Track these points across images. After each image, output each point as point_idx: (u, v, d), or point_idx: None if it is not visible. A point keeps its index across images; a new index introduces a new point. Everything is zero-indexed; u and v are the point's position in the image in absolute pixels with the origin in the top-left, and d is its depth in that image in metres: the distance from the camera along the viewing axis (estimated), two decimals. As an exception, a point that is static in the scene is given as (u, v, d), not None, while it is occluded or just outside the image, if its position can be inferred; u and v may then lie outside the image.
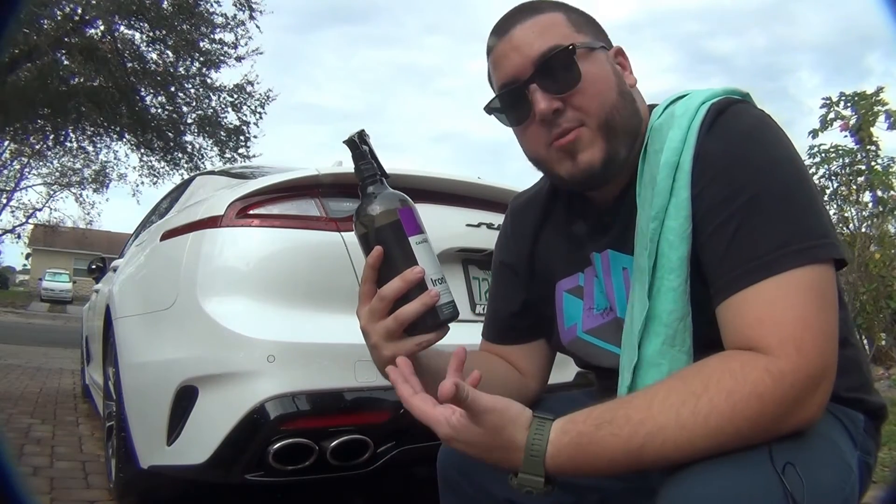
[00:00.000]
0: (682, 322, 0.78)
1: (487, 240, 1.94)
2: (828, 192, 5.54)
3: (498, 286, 1.06)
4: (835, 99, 5.53)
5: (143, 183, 14.69)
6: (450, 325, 0.82)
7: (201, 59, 12.24)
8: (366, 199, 0.81)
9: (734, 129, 0.77)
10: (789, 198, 0.72)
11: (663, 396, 0.69)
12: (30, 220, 26.95)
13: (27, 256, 39.20)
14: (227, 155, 13.04)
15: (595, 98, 0.82)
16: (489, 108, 0.89)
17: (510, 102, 0.86)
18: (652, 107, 0.89)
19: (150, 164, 13.95)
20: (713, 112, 0.78)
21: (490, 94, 0.89)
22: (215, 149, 13.17)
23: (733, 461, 0.65)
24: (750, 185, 0.73)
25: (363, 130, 0.84)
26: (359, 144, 0.83)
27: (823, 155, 5.52)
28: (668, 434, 0.66)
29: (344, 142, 0.83)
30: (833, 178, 5.54)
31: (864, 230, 5.35)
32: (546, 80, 0.82)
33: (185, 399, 1.63)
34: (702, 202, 0.76)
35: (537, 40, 0.82)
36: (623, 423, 0.69)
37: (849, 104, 5.45)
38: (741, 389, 0.66)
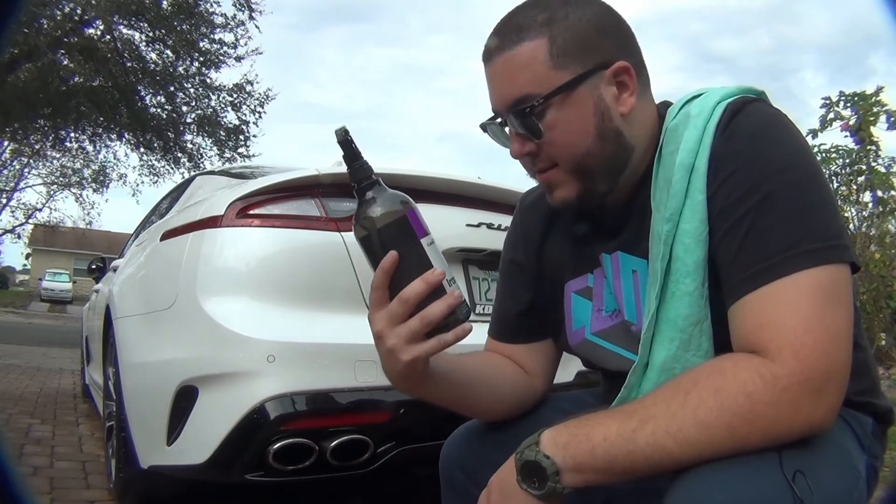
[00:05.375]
0: (697, 326, 0.77)
1: (488, 240, 1.94)
2: (828, 191, 5.52)
3: (506, 284, 1.05)
4: (835, 99, 5.53)
5: (142, 183, 14.71)
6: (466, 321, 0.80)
7: (201, 58, 12.23)
8: (367, 203, 0.78)
9: (749, 129, 0.75)
10: (802, 198, 0.71)
11: (656, 393, 0.71)
12: (30, 220, 26.98)
13: (27, 256, 39.25)
14: (227, 154, 13.04)
15: (563, 147, 0.81)
16: (483, 127, 0.89)
17: (498, 131, 0.87)
18: (664, 105, 0.87)
19: (149, 163, 13.97)
20: (729, 112, 0.77)
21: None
22: (215, 148, 13.18)
23: (742, 466, 0.64)
24: (763, 184, 0.72)
25: (345, 127, 0.79)
26: (352, 143, 0.79)
27: (824, 155, 5.52)
28: (660, 422, 0.67)
29: (338, 142, 0.79)
30: (833, 178, 5.54)
31: (864, 230, 5.35)
32: (517, 125, 0.82)
33: (185, 399, 1.63)
34: (716, 203, 0.75)
35: (509, 84, 0.81)
36: (617, 412, 0.72)
37: (848, 104, 5.44)
38: (729, 387, 0.66)
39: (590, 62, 0.79)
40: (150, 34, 11.80)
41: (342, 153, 0.80)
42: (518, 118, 0.81)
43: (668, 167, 0.79)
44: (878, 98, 5.25)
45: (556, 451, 0.71)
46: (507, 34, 0.81)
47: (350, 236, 1.72)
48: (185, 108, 12.95)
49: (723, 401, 0.65)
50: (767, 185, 0.72)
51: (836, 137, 5.66)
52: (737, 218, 0.73)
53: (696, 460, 0.66)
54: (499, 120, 0.85)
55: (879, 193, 5.30)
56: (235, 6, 11.87)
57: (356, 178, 0.79)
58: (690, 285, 0.76)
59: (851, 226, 5.43)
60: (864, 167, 5.38)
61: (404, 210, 0.78)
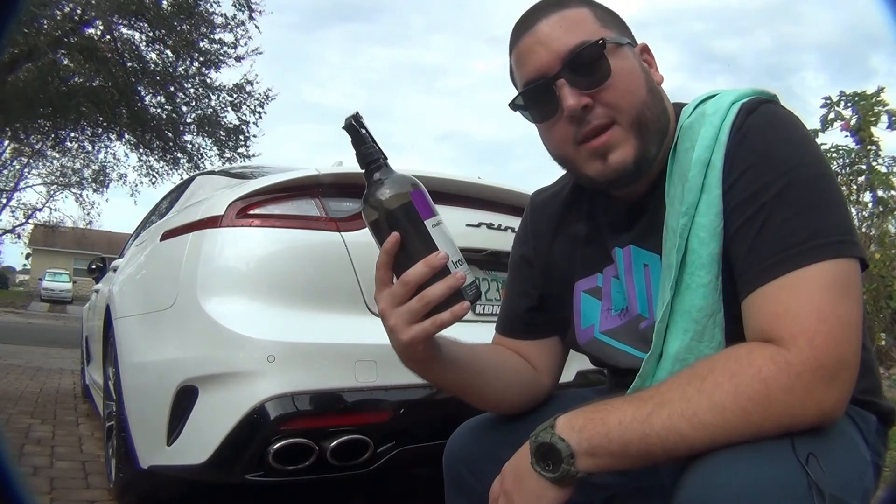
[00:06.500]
0: (711, 318, 0.79)
1: (487, 240, 1.94)
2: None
3: (515, 280, 1.06)
4: (835, 99, 5.52)
5: (141, 184, 14.69)
6: (473, 304, 0.78)
7: (201, 59, 12.25)
8: (374, 185, 0.78)
9: (763, 128, 0.78)
10: (815, 195, 0.74)
11: (672, 379, 0.72)
12: (30, 220, 26.99)
13: (27, 256, 39.24)
14: (227, 154, 13.05)
15: (626, 94, 0.81)
16: (514, 105, 0.88)
17: (536, 98, 0.85)
18: (678, 105, 0.89)
19: (149, 163, 13.96)
20: (744, 111, 0.79)
21: (511, 92, 0.89)
22: (215, 148, 13.19)
23: (755, 452, 0.65)
24: (777, 181, 0.74)
25: (358, 113, 0.80)
26: (358, 128, 0.79)
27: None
28: (675, 406, 0.68)
29: (343, 127, 0.79)
30: (833, 177, 5.52)
31: (864, 230, 5.35)
32: (575, 75, 0.81)
33: (185, 399, 1.63)
34: (731, 198, 0.77)
35: (564, 35, 0.82)
36: (633, 398, 0.73)
37: (849, 104, 5.43)
38: (744, 371, 0.67)
39: (624, 35, 0.86)
40: (150, 34, 11.82)
41: (350, 139, 0.79)
42: (578, 63, 0.81)
43: (683, 163, 0.81)
44: (878, 98, 5.24)
45: (571, 434, 0.72)
46: (549, 4, 0.85)
47: (350, 236, 1.73)
48: (185, 108, 12.97)
49: (738, 385, 0.66)
50: (782, 181, 0.74)
51: (836, 137, 5.66)
52: (752, 212, 0.75)
53: (710, 445, 0.66)
54: (543, 81, 0.83)
55: (879, 193, 5.30)
56: (235, 6, 11.90)
57: (363, 162, 0.79)
58: (705, 277, 0.78)
59: (852, 226, 5.41)
60: (864, 167, 5.38)
61: (409, 192, 0.77)
